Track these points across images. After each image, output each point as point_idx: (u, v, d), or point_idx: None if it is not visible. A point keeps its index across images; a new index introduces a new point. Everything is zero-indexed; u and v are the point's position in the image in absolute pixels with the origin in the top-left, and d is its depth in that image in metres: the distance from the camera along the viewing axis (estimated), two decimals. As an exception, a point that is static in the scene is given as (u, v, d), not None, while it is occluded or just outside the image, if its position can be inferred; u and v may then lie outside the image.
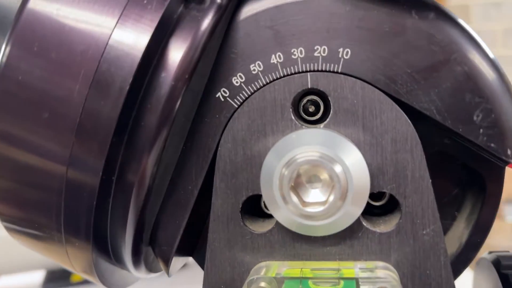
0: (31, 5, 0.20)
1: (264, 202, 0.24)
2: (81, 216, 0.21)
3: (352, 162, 0.20)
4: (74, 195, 0.21)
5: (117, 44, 0.19)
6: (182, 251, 0.26)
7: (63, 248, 0.23)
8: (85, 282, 0.97)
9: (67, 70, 0.19)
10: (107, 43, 0.19)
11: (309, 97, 0.22)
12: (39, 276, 1.01)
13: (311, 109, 0.22)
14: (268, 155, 0.21)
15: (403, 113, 0.21)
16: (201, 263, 0.26)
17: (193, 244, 0.26)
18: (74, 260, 0.24)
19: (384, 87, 0.21)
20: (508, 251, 0.31)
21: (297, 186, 0.21)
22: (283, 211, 0.21)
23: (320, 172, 0.20)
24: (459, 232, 0.25)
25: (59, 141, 0.20)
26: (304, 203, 0.20)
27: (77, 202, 0.21)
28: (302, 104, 0.22)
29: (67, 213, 0.21)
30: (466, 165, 0.24)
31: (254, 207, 0.24)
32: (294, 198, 0.20)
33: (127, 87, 0.19)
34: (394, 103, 0.21)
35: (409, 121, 0.21)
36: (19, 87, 0.20)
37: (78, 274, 0.26)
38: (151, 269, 0.27)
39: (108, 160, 0.20)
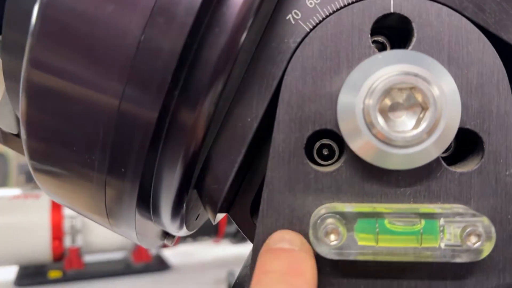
0: None
1: (317, 151, 0.22)
2: (131, 157, 0.19)
3: (448, 90, 0.18)
4: (125, 133, 0.18)
5: None
6: (220, 207, 0.23)
7: (101, 191, 0.21)
8: (64, 278, 0.91)
9: None
10: None
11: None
12: (10, 272, 0.94)
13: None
14: (345, 85, 0.19)
15: (490, 44, 0.20)
16: (238, 221, 0.24)
17: (231, 201, 0.23)
18: (112, 206, 0.21)
19: (472, 15, 0.20)
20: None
21: (384, 110, 0.19)
22: (366, 138, 0.19)
23: (410, 95, 0.18)
24: None
25: (113, 72, 0.18)
26: (393, 128, 0.18)
27: (129, 140, 0.18)
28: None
29: (115, 152, 0.19)
30: None
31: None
32: (382, 122, 0.18)
33: (195, 11, 0.17)
34: (481, 33, 0.20)
35: (496, 53, 0.20)
36: (72, 11, 0.18)
37: (109, 223, 0.23)
38: (185, 224, 0.25)
39: (166, 96, 0.18)
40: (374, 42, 0.21)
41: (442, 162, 0.20)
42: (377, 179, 0.20)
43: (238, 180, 0.23)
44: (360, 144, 0.19)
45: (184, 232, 0.26)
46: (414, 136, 0.18)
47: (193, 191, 0.23)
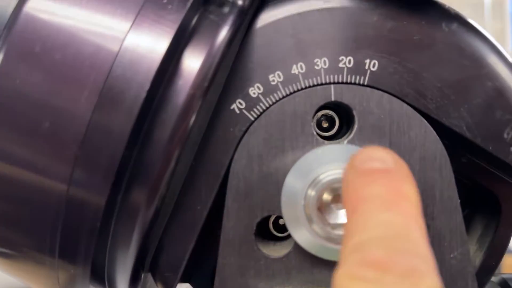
0: (31, 3, 0.18)
1: (273, 223, 0.22)
2: (81, 239, 0.19)
3: None
4: (74, 217, 0.18)
5: (133, 46, 0.17)
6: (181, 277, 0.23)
7: (54, 274, 0.21)
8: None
9: (74, 74, 0.17)
10: (121, 45, 0.17)
11: (323, 112, 0.21)
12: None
13: (325, 124, 0.21)
14: (290, 173, 0.19)
15: (432, 129, 0.20)
16: None
17: (191, 269, 0.24)
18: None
19: (413, 102, 0.20)
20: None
21: (322, 206, 0.19)
22: (307, 233, 0.19)
23: (348, 191, 0.19)
24: (471, 254, 0.24)
25: (60, 156, 0.18)
26: (331, 225, 0.19)
27: (78, 223, 0.19)
28: (316, 118, 0.21)
29: (64, 236, 0.19)
30: (478, 185, 0.23)
31: (260, 229, 0.22)
32: (321, 220, 0.19)
33: (144, 95, 0.17)
34: (423, 119, 0.20)
35: (438, 138, 0.20)
36: (17, 93, 0.18)
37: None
38: None
39: (116, 177, 0.18)
40: (323, 116, 0.21)
41: None
42: (325, 264, 0.20)
43: (197, 249, 0.23)
44: (302, 236, 0.19)
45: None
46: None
47: (148, 274, 0.23)
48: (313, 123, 0.20)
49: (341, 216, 0.19)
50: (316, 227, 0.19)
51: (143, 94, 0.17)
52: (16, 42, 0.18)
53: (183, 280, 0.24)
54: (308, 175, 0.19)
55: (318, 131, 0.21)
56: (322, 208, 0.19)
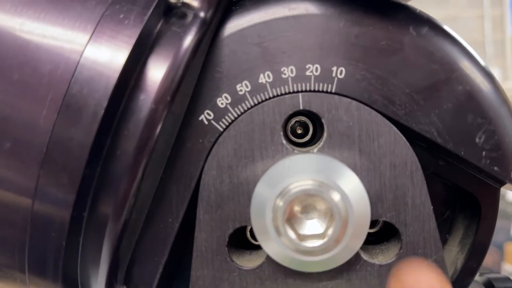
0: None
1: (250, 232, 0.22)
2: (49, 256, 0.19)
3: (351, 189, 0.18)
4: (40, 233, 0.18)
5: (90, 63, 0.17)
6: None
7: None
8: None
9: (32, 93, 0.17)
10: (78, 62, 0.17)
11: (297, 118, 0.21)
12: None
13: (300, 130, 0.21)
14: (259, 184, 0.19)
15: (402, 136, 0.20)
16: None
17: (170, 281, 0.23)
18: None
19: (382, 108, 0.20)
20: (499, 272, 0.30)
21: (291, 217, 0.19)
22: (276, 245, 0.19)
23: (316, 202, 0.19)
24: (452, 256, 0.24)
25: (23, 174, 0.18)
26: (300, 236, 0.18)
27: (44, 239, 0.18)
28: (290, 125, 0.21)
29: (32, 253, 0.19)
30: (458, 187, 0.23)
31: (238, 238, 0.22)
32: (290, 232, 0.18)
33: (102, 112, 0.17)
34: (392, 125, 0.20)
35: (408, 144, 0.20)
36: None
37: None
38: None
39: (79, 194, 0.18)
40: (297, 122, 0.21)
41: (361, 255, 0.20)
42: (299, 275, 0.20)
43: (174, 262, 0.23)
44: (272, 248, 0.19)
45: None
46: (321, 246, 0.18)
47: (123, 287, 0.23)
48: (282, 132, 0.20)
49: (310, 227, 0.19)
50: (285, 239, 0.18)
51: (101, 111, 0.17)
52: None
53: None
54: (277, 185, 0.19)
55: (293, 138, 0.21)
56: (292, 219, 0.19)
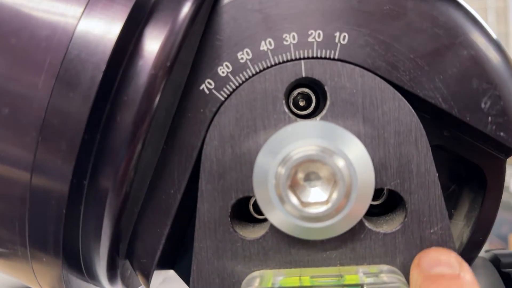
0: None
1: (252, 205, 0.22)
2: (49, 227, 0.19)
3: (356, 155, 0.18)
4: (40, 204, 0.18)
5: (87, 27, 0.17)
6: (162, 264, 0.23)
7: (28, 264, 0.21)
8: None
9: (30, 58, 0.17)
10: (76, 26, 0.17)
11: (299, 90, 0.21)
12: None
13: (302, 103, 0.21)
14: (261, 152, 0.19)
15: (406, 102, 0.19)
16: (184, 276, 0.24)
17: (174, 255, 0.23)
18: (41, 278, 0.21)
19: (385, 74, 0.19)
20: (505, 248, 0.30)
21: (294, 184, 0.18)
22: (280, 213, 0.19)
23: (320, 168, 0.18)
24: (458, 230, 0.24)
25: (21, 142, 0.17)
26: (304, 203, 0.18)
27: (44, 211, 0.18)
28: (292, 97, 0.21)
29: (32, 225, 0.19)
30: (464, 159, 0.22)
31: (242, 211, 0.22)
32: (293, 198, 0.18)
33: (100, 76, 0.16)
34: (396, 92, 0.19)
35: (413, 111, 0.19)
36: None
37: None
38: (128, 284, 0.25)
39: (78, 162, 0.17)
40: (299, 94, 0.21)
41: (366, 224, 0.20)
42: (302, 245, 0.20)
43: (179, 236, 0.23)
44: (276, 217, 0.19)
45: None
46: (325, 211, 0.18)
47: (125, 261, 0.22)
48: (288, 100, 0.20)
49: (314, 194, 0.18)
50: (288, 206, 0.18)
51: (99, 75, 0.16)
52: None
53: (167, 267, 0.24)
54: (279, 153, 0.18)
55: (295, 110, 0.21)
56: (295, 186, 0.19)
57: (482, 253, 0.29)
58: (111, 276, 0.22)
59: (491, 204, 0.23)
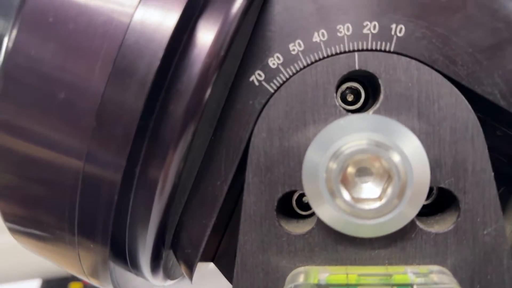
0: None
1: (296, 201, 0.22)
2: (99, 215, 0.19)
3: (412, 151, 0.18)
4: (91, 192, 0.18)
5: (145, 14, 0.17)
6: (203, 256, 0.23)
7: (74, 251, 0.21)
8: (84, 290, 0.95)
9: (87, 43, 0.17)
10: (133, 13, 0.17)
11: (348, 84, 0.20)
12: (35, 285, 0.98)
13: (350, 97, 0.20)
14: (311, 146, 0.19)
15: (463, 98, 0.19)
16: (224, 270, 0.24)
17: (215, 248, 0.23)
18: (87, 265, 0.22)
19: (443, 68, 0.19)
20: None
21: (346, 179, 0.18)
22: (330, 208, 0.18)
23: (372, 163, 0.18)
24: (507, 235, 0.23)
25: (75, 131, 0.17)
26: (356, 199, 0.18)
27: (95, 198, 0.18)
28: (340, 91, 0.20)
29: (82, 212, 0.19)
30: None
31: (284, 207, 0.22)
32: (345, 193, 0.18)
33: (158, 63, 0.16)
34: (453, 87, 0.19)
35: (470, 107, 0.19)
36: (31, 65, 0.17)
37: (90, 281, 0.24)
38: (169, 275, 0.25)
39: (132, 149, 0.17)
40: (348, 89, 0.20)
41: (417, 223, 0.19)
42: (350, 241, 0.19)
43: (221, 229, 0.23)
44: (326, 212, 0.19)
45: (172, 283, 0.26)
46: (378, 209, 0.18)
47: (170, 251, 0.22)
48: (336, 94, 0.19)
49: (365, 190, 0.18)
50: (340, 201, 0.18)
51: (157, 62, 0.16)
52: (30, 13, 0.17)
53: (207, 259, 0.24)
54: (330, 147, 0.18)
55: (343, 105, 0.20)
56: (346, 182, 0.18)
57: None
58: (154, 266, 0.22)
59: None
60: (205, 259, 0.24)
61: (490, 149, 0.21)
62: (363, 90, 0.20)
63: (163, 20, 0.17)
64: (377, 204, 0.18)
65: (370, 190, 0.18)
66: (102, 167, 0.18)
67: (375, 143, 0.18)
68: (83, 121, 0.17)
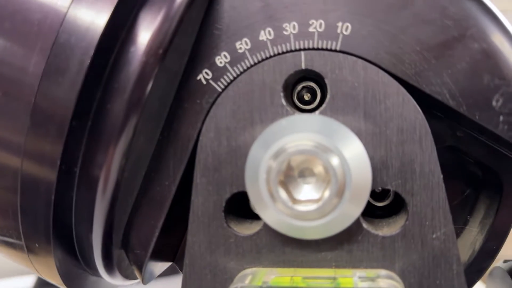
0: None
1: None
2: (39, 215, 0.18)
3: (352, 153, 0.17)
4: (30, 190, 0.18)
5: (78, 12, 0.17)
6: (162, 256, 0.23)
7: (23, 251, 0.21)
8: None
9: (22, 41, 0.17)
10: (67, 11, 0.17)
11: (304, 83, 0.20)
12: (29, 280, 0.99)
13: (307, 97, 0.20)
14: (254, 145, 0.18)
15: (411, 97, 0.18)
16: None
17: (175, 249, 0.23)
18: (37, 264, 0.21)
19: (390, 67, 0.18)
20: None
21: (287, 180, 0.18)
22: (271, 210, 0.18)
23: (314, 164, 0.17)
24: (472, 237, 0.22)
25: (12, 127, 0.17)
26: (295, 200, 0.17)
27: (34, 198, 0.18)
28: (297, 91, 0.20)
29: (24, 211, 0.19)
30: (480, 162, 0.21)
31: (241, 206, 0.21)
32: (283, 195, 0.17)
33: (88, 61, 0.16)
34: (400, 86, 0.18)
35: (418, 107, 0.18)
36: None
37: (48, 280, 0.24)
38: (127, 275, 0.24)
39: (68, 147, 0.17)
40: (304, 88, 0.20)
41: (363, 225, 0.19)
42: (297, 244, 0.19)
43: (179, 229, 0.22)
44: (267, 214, 0.18)
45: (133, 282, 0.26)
46: (316, 210, 0.17)
47: (121, 251, 0.22)
48: (284, 93, 0.19)
49: (306, 192, 0.18)
50: (279, 203, 0.17)
51: (87, 60, 0.16)
52: None
53: (168, 259, 0.23)
54: (271, 146, 0.18)
55: (300, 105, 0.20)
56: (288, 183, 0.18)
57: (500, 264, 0.28)
58: (107, 266, 0.22)
59: (507, 211, 0.21)
60: (165, 259, 0.23)
61: (454, 150, 0.21)
62: (319, 89, 0.20)
63: (95, 18, 0.17)
64: (314, 206, 0.17)
65: (310, 192, 0.18)
66: (38, 165, 0.18)
67: (315, 144, 0.17)
68: (19, 119, 0.17)
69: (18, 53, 0.17)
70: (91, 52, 0.16)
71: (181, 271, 0.24)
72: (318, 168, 0.17)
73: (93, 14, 0.17)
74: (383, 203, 0.21)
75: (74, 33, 0.16)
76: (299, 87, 0.20)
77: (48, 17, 0.17)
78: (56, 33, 0.16)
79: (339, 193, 0.17)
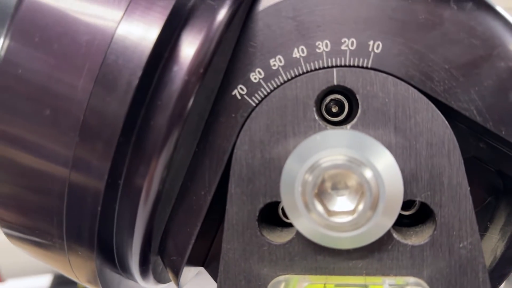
0: None
1: (282, 209, 0.22)
2: (85, 222, 0.19)
3: (384, 166, 0.18)
4: (77, 200, 0.19)
5: (125, 34, 0.18)
6: (193, 261, 0.24)
7: (65, 256, 0.22)
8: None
9: (71, 62, 0.18)
10: (114, 33, 0.17)
11: (332, 96, 0.21)
12: (46, 280, 1.00)
13: (335, 109, 0.21)
14: (289, 159, 0.19)
15: (439, 113, 0.19)
16: (213, 274, 0.24)
17: (205, 254, 0.24)
18: (77, 270, 0.22)
19: (419, 85, 0.19)
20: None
21: (321, 193, 0.19)
22: (305, 221, 0.19)
23: (347, 178, 0.18)
24: (493, 244, 0.23)
25: (61, 141, 0.18)
26: (330, 212, 0.18)
27: (80, 207, 0.19)
28: (325, 103, 0.21)
29: (69, 219, 0.20)
30: (502, 171, 0.22)
31: (272, 215, 0.22)
32: (319, 207, 0.18)
33: (136, 81, 0.17)
34: (430, 102, 0.19)
35: (447, 122, 0.19)
36: (19, 82, 0.18)
37: (82, 284, 0.25)
38: (160, 279, 0.25)
39: (114, 162, 0.18)
40: (332, 100, 0.21)
41: (394, 235, 0.20)
42: (328, 252, 0.20)
43: (210, 235, 0.23)
44: (302, 224, 0.19)
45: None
46: (351, 222, 0.18)
47: (157, 257, 0.23)
48: (315, 108, 0.20)
49: (340, 204, 0.18)
50: (314, 214, 0.18)
51: (136, 81, 0.17)
52: (17, 32, 0.18)
53: (198, 264, 0.24)
54: (307, 160, 0.19)
55: (327, 117, 0.21)
56: (322, 195, 0.19)
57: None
58: (143, 271, 0.23)
59: None
60: (195, 264, 0.24)
61: (477, 160, 0.21)
62: (346, 102, 0.21)
63: (142, 39, 0.17)
64: (349, 218, 0.18)
65: (344, 204, 0.18)
66: (86, 178, 0.18)
67: (349, 159, 0.18)
68: (67, 134, 0.18)
69: (67, 73, 0.18)
70: (139, 73, 0.17)
71: (211, 276, 0.25)
72: (351, 181, 0.18)
73: (140, 35, 0.17)
74: (409, 212, 0.22)
75: (122, 54, 0.17)
76: (327, 99, 0.21)
77: (96, 38, 0.18)
78: (104, 54, 0.17)
79: (373, 205, 0.18)
